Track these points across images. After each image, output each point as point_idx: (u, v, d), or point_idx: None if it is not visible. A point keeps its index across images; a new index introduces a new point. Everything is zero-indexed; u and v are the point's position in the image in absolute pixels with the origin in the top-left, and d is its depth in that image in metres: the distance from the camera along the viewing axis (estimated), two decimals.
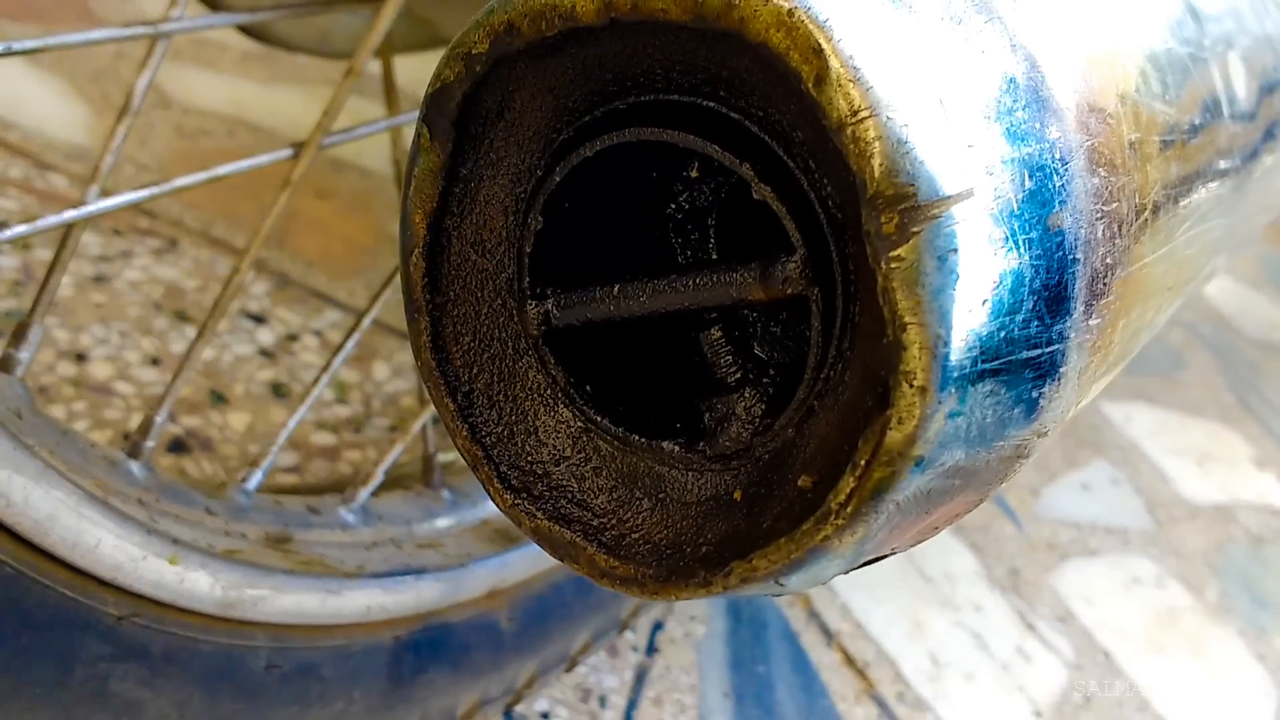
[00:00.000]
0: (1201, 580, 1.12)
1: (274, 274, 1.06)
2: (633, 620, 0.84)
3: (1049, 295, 0.29)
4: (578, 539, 0.35)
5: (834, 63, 0.26)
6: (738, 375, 0.36)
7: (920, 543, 0.33)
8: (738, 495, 0.34)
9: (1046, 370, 0.30)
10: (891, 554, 0.33)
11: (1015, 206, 0.28)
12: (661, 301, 0.33)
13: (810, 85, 0.27)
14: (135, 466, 0.57)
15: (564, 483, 0.36)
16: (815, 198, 0.30)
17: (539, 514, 0.36)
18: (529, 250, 0.34)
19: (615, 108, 0.33)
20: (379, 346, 1.02)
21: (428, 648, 0.66)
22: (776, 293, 0.30)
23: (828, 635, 0.92)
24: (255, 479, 0.63)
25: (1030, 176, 0.28)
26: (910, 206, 0.26)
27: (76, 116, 1.18)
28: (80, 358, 0.89)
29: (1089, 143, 0.30)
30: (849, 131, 0.27)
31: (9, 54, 0.49)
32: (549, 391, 0.37)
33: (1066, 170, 0.29)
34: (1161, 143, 0.34)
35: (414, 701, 0.66)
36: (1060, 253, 0.29)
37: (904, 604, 0.98)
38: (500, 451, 0.37)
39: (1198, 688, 1.00)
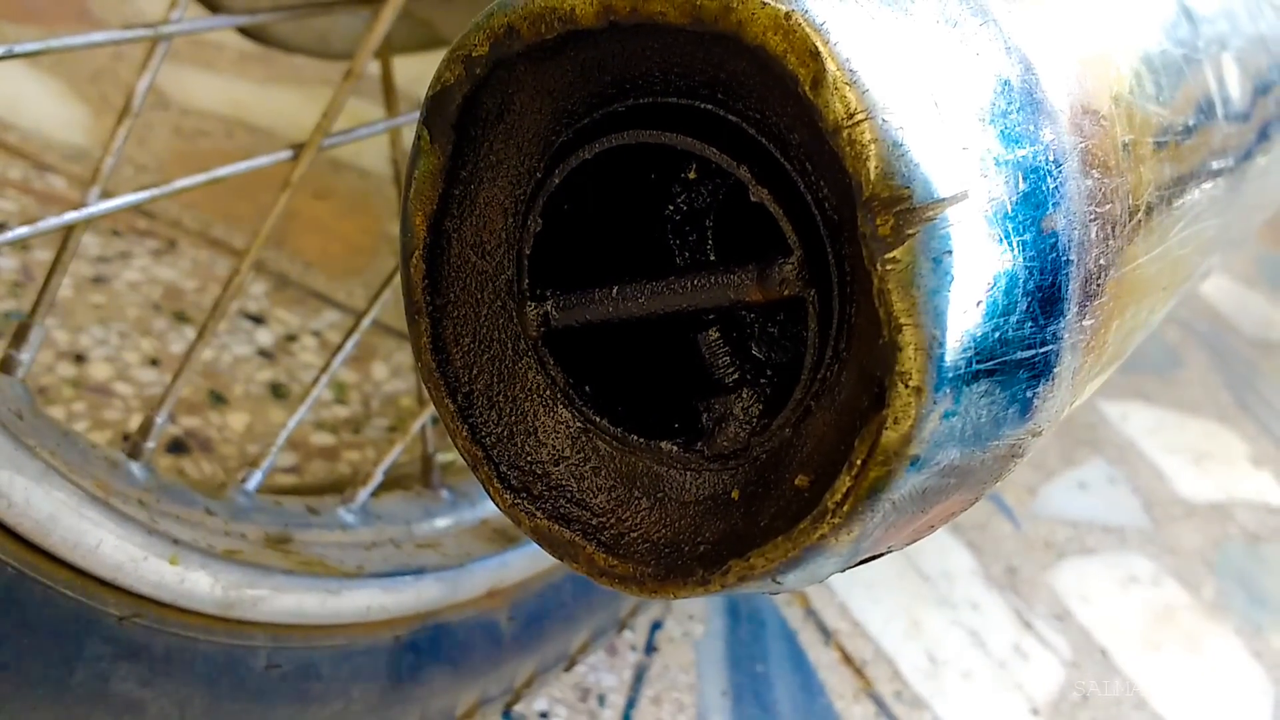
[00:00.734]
0: (1198, 578, 1.13)
1: (273, 274, 1.06)
2: (631, 619, 0.84)
3: (1043, 296, 0.29)
4: (577, 538, 0.35)
5: (830, 66, 0.27)
6: (735, 376, 0.36)
7: (916, 541, 0.33)
8: (735, 494, 0.34)
9: (1040, 370, 0.30)
10: (888, 552, 0.33)
11: (1009, 208, 0.28)
12: (660, 303, 0.33)
13: (807, 88, 0.27)
14: (136, 467, 0.57)
15: (563, 482, 0.37)
16: (812, 200, 0.30)
17: (538, 513, 0.36)
18: (528, 252, 0.34)
19: (614, 110, 0.33)
20: (378, 347, 1.02)
21: (427, 647, 0.66)
22: (774, 294, 0.31)
23: (826, 634, 0.93)
24: (255, 479, 0.63)
25: (1024, 179, 0.28)
26: (905, 209, 0.27)
27: (75, 117, 1.18)
28: (79, 358, 0.89)
29: (1083, 145, 0.30)
30: (845, 134, 0.27)
31: (10, 57, 0.49)
32: (548, 392, 0.37)
33: (1060, 172, 0.29)
34: (1155, 144, 0.35)
35: (413, 701, 0.66)
36: (1054, 254, 0.29)
37: (902, 602, 0.98)
38: (500, 451, 0.37)
39: (1195, 685, 1.00)
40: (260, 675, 0.59)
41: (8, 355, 0.54)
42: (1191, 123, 0.38)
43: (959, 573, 1.03)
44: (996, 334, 0.28)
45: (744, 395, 0.35)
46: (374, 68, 0.79)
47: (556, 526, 0.36)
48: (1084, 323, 0.31)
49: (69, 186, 1.07)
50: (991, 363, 0.28)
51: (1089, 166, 0.30)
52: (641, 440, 0.35)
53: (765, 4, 0.27)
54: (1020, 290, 0.29)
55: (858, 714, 0.87)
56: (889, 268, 0.27)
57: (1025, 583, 1.05)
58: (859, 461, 0.29)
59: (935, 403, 0.28)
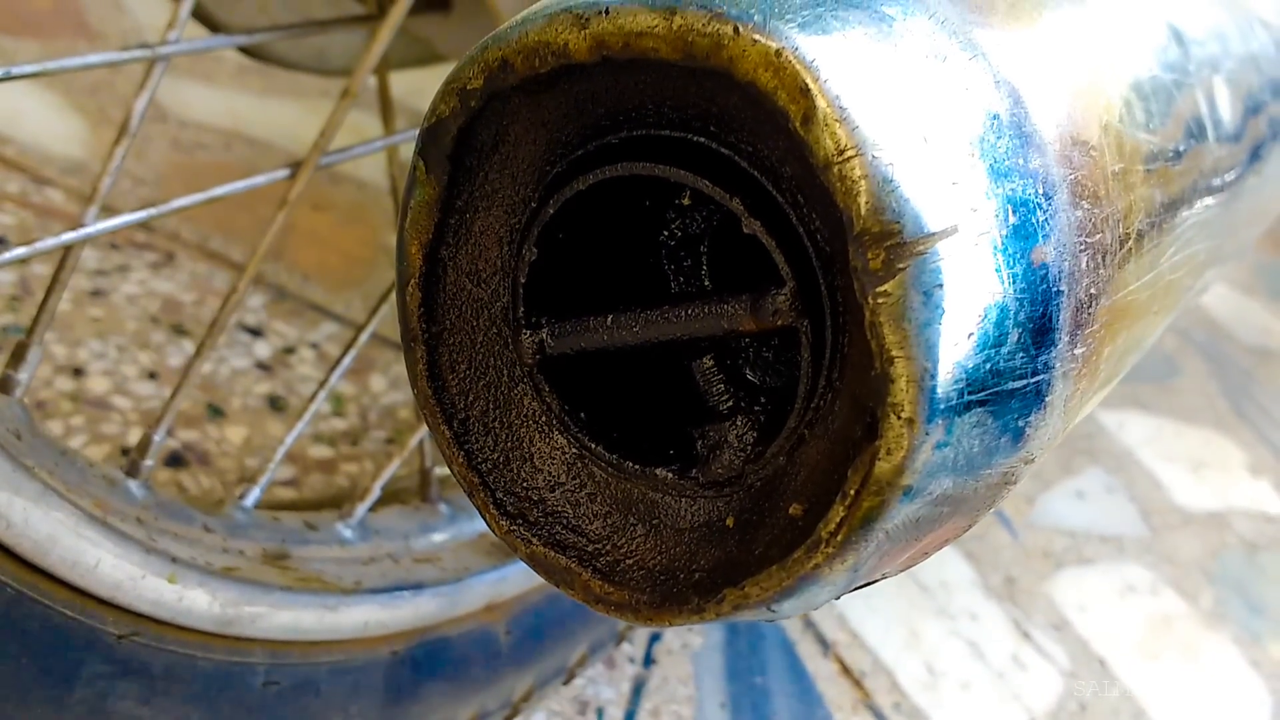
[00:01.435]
0: (1196, 587, 1.13)
1: (271, 287, 1.06)
2: (629, 632, 0.84)
3: (1034, 327, 0.29)
4: (573, 564, 0.36)
5: (820, 102, 0.27)
6: (730, 403, 0.36)
7: (911, 567, 0.34)
8: (730, 522, 0.34)
9: (1032, 400, 0.30)
10: (882, 579, 0.33)
11: (999, 242, 0.28)
12: (654, 331, 0.33)
13: (798, 124, 0.27)
14: (134, 485, 0.58)
15: (559, 509, 0.37)
16: (804, 232, 0.30)
17: (534, 540, 0.36)
18: (523, 280, 0.35)
19: (608, 142, 0.33)
20: (376, 359, 1.02)
21: (425, 662, 0.66)
22: (767, 324, 0.31)
23: (824, 645, 0.93)
24: (253, 496, 0.63)
25: (1014, 212, 0.29)
26: (896, 243, 0.27)
27: (73, 131, 1.18)
28: (78, 372, 0.89)
29: (1072, 176, 0.31)
30: (835, 170, 0.27)
31: (9, 79, 0.50)
32: (544, 419, 0.37)
33: (1050, 204, 0.30)
34: (1145, 171, 0.35)
35: (412, 716, 0.66)
36: (1044, 285, 0.29)
37: (900, 613, 0.98)
38: (496, 478, 0.37)
39: (1193, 695, 1.00)
40: (258, 692, 0.59)
41: (6, 375, 0.54)
42: (1182, 147, 0.38)
43: (957, 583, 1.04)
44: (988, 365, 0.28)
45: (738, 423, 0.36)
46: (371, 81, 0.80)
47: (552, 553, 0.36)
48: (1075, 351, 0.31)
49: (67, 200, 1.07)
50: (983, 393, 0.29)
51: (1079, 197, 0.31)
52: (637, 467, 0.35)
53: (756, 41, 0.27)
54: (1011, 322, 0.29)
55: None
56: (880, 301, 0.27)
57: (1023, 593, 1.05)
58: (852, 491, 0.29)
59: (927, 434, 0.28)
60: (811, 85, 0.27)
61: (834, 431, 0.31)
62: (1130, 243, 0.33)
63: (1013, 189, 0.29)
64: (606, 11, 0.29)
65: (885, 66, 0.28)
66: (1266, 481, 1.33)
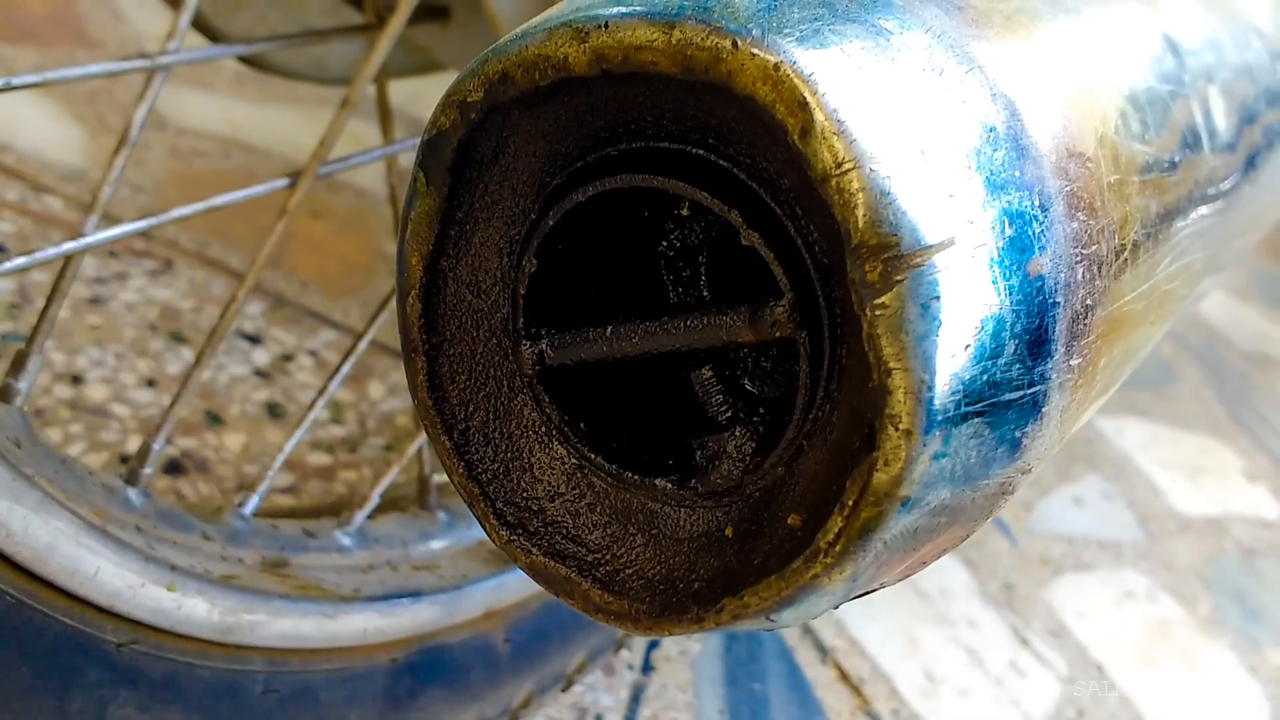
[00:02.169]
0: (1193, 593, 1.13)
1: (269, 294, 1.06)
2: (628, 639, 0.84)
3: (1030, 338, 0.30)
4: (572, 574, 0.36)
5: (819, 116, 0.27)
6: (728, 414, 0.36)
7: (909, 577, 0.34)
8: (729, 532, 0.34)
9: (1029, 411, 0.30)
10: (880, 588, 0.33)
11: (996, 254, 0.28)
12: (653, 342, 0.34)
13: (796, 137, 0.27)
14: (133, 493, 0.58)
15: (559, 519, 0.37)
16: (802, 243, 0.30)
17: (534, 549, 0.37)
18: (523, 291, 0.35)
19: (607, 154, 0.33)
20: (374, 366, 1.03)
21: (424, 670, 0.66)
22: (765, 335, 0.31)
23: (823, 652, 0.93)
24: (252, 503, 0.63)
25: (1010, 224, 0.29)
26: (893, 255, 0.27)
27: (72, 139, 1.18)
28: (76, 380, 0.89)
29: (1068, 188, 0.31)
30: (834, 183, 0.27)
31: (8, 89, 0.50)
32: (544, 429, 0.37)
33: (1046, 216, 0.30)
34: (1141, 182, 0.35)
35: None
36: (1040, 297, 0.30)
37: (899, 620, 0.98)
38: (496, 488, 0.37)
39: (1190, 701, 1.01)
40: (258, 700, 0.59)
41: (6, 384, 0.54)
42: (1177, 158, 0.38)
43: (956, 590, 1.04)
44: (985, 376, 0.29)
45: (737, 433, 0.36)
46: (370, 89, 0.80)
47: (552, 563, 0.36)
48: (1071, 362, 0.31)
49: (66, 208, 1.07)
50: (980, 404, 0.29)
51: (1074, 209, 0.31)
52: (636, 477, 0.35)
53: (755, 55, 0.28)
54: (1008, 333, 0.29)
55: None
56: (878, 313, 0.28)
57: (1022, 599, 1.05)
58: (850, 502, 0.29)
59: (925, 445, 0.28)
60: (810, 99, 0.27)
61: (832, 442, 0.31)
62: (1126, 253, 0.34)
63: (1009, 201, 0.29)
64: (606, 25, 0.30)
65: (883, 80, 0.28)
66: (1263, 487, 1.33)
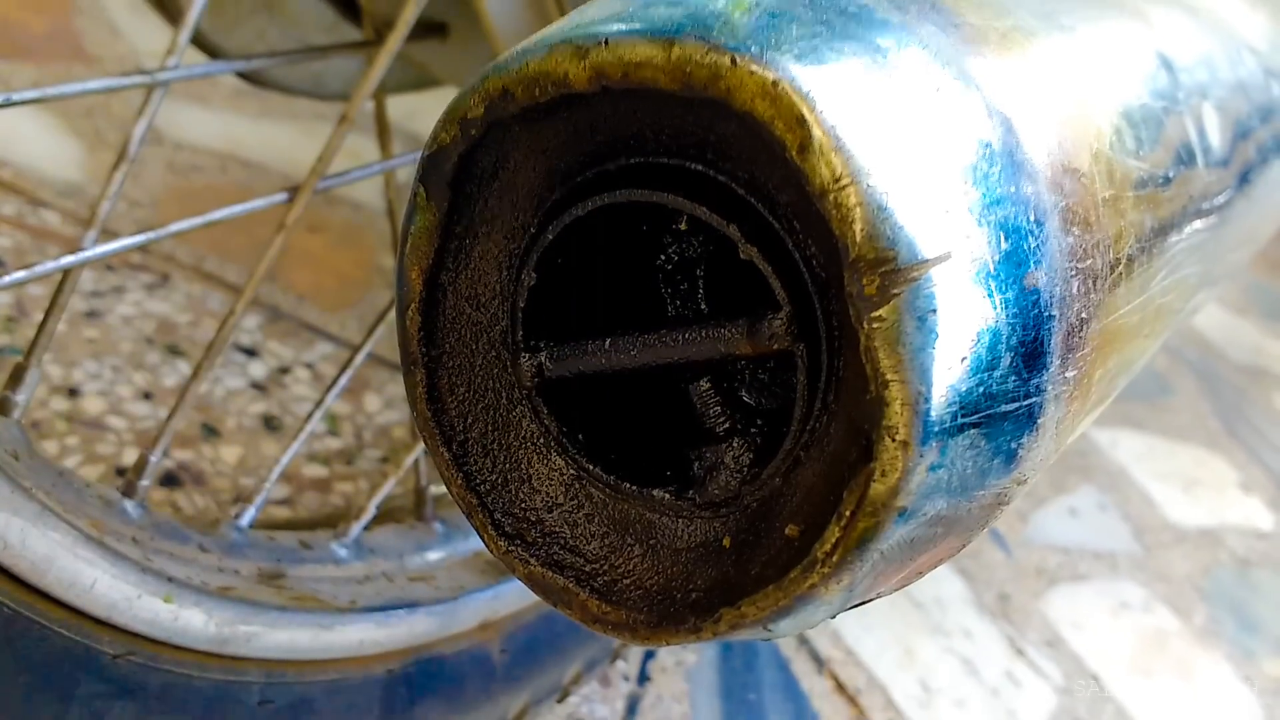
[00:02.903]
0: (1189, 604, 1.13)
1: (266, 307, 1.07)
2: (624, 650, 0.84)
3: (1026, 351, 0.30)
4: (570, 585, 0.36)
5: (817, 132, 0.27)
6: (726, 425, 0.37)
7: (906, 586, 0.34)
8: (727, 542, 0.34)
9: (1025, 422, 0.31)
10: (877, 598, 0.34)
11: (992, 267, 0.29)
12: (651, 355, 0.34)
13: (794, 153, 0.28)
14: (130, 505, 0.58)
15: (557, 529, 0.37)
16: (800, 257, 0.31)
17: (533, 560, 0.37)
18: (522, 305, 0.35)
19: (606, 169, 0.34)
20: (370, 378, 1.03)
21: (420, 681, 0.66)
22: (763, 348, 0.31)
23: (819, 662, 0.93)
24: (248, 515, 0.63)
25: (1006, 238, 0.29)
26: (891, 269, 0.27)
27: (69, 153, 1.18)
28: (73, 393, 0.89)
29: (1063, 203, 0.31)
30: (831, 198, 0.28)
31: (8, 105, 0.50)
32: (542, 440, 0.38)
33: (1041, 231, 0.30)
34: (1135, 197, 0.35)
35: None
36: (1036, 310, 0.30)
37: (895, 630, 0.98)
38: (494, 499, 0.38)
39: (1186, 711, 1.01)
40: (254, 711, 0.59)
41: (3, 397, 0.54)
42: (1172, 173, 0.39)
43: (951, 600, 1.04)
44: (981, 389, 0.29)
45: (735, 444, 0.36)
46: (368, 105, 0.80)
47: (550, 573, 0.36)
48: (1067, 374, 0.32)
49: (63, 222, 1.07)
50: (976, 416, 0.29)
51: (1070, 224, 0.31)
52: (634, 488, 0.36)
53: (753, 71, 0.28)
54: (1004, 346, 0.29)
55: None
56: (875, 326, 0.28)
57: (1017, 610, 1.05)
58: (848, 513, 0.29)
59: (921, 456, 0.28)
60: (808, 115, 0.28)
61: (830, 453, 0.31)
62: (1121, 267, 0.34)
63: (1005, 216, 0.29)
64: (606, 42, 0.30)
65: (880, 96, 0.29)
66: (1258, 499, 1.34)
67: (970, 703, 0.94)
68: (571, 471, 0.37)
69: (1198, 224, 0.41)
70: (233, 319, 0.58)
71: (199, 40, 0.82)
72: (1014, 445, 0.31)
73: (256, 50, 0.85)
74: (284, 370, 1.00)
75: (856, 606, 0.34)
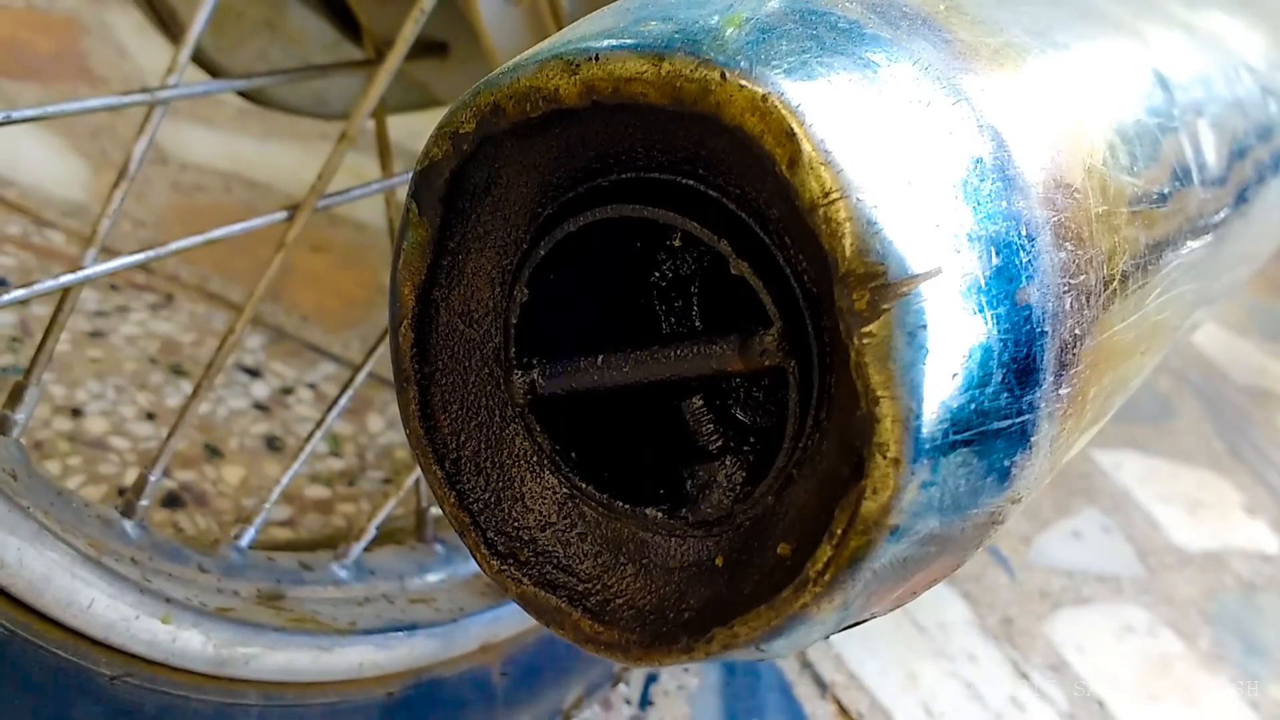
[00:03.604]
0: (1194, 628, 1.13)
1: (269, 327, 1.07)
2: (625, 674, 0.84)
3: (1018, 367, 0.30)
4: (563, 604, 0.36)
5: (806, 147, 0.27)
6: (719, 443, 0.37)
7: (900, 607, 0.34)
8: (719, 561, 0.34)
9: (1018, 440, 0.30)
10: (872, 618, 0.33)
11: (983, 283, 0.29)
12: (644, 372, 0.34)
13: (784, 168, 0.28)
14: (129, 525, 0.58)
15: (549, 548, 0.37)
16: (791, 273, 0.31)
17: (525, 579, 0.37)
18: (515, 321, 0.35)
19: (598, 184, 0.34)
20: (373, 399, 1.03)
21: (420, 703, 0.66)
22: (755, 365, 0.31)
23: (822, 686, 0.92)
24: (248, 536, 0.63)
25: (997, 253, 0.29)
26: (880, 284, 0.27)
27: (74, 174, 1.19)
28: (76, 413, 0.90)
29: (1055, 218, 0.31)
30: (821, 212, 0.27)
31: (9, 123, 0.50)
32: (535, 458, 0.37)
33: (1033, 246, 0.30)
34: (1129, 214, 0.35)
35: None
36: (1028, 326, 0.30)
37: (897, 654, 0.98)
38: (487, 517, 0.37)
39: None
40: None
41: (4, 415, 0.54)
42: (1167, 190, 0.39)
43: (955, 624, 1.03)
44: (973, 405, 0.29)
45: (727, 463, 0.36)
46: (370, 124, 0.80)
47: (543, 593, 0.36)
48: (1060, 391, 0.32)
49: (67, 242, 1.08)
50: (968, 433, 0.29)
51: (1062, 239, 0.31)
52: (627, 506, 0.35)
53: (743, 86, 0.28)
54: (995, 362, 0.29)
55: None
56: (865, 341, 0.28)
57: (1021, 633, 1.05)
58: (840, 531, 0.29)
59: (913, 474, 0.28)
60: (797, 129, 0.28)
61: (822, 471, 0.31)
62: (1115, 284, 0.34)
63: (996, 231, 0.29)
64: (596, 58, 0.30)
65: (870, 111, 0.29)
66: (1263, 521, 1.33)
67: None
68: (564, 490, 0.37)
69: (1194, 242, 0.41)
70: (233, 337, 0.58)
71: (201, 60, 0.83)
72: (1007, 463, 0.31)
73: (259, 69, 0.85)
74: (287, 391, 1.00)
75: (852, 626, 0.33)
